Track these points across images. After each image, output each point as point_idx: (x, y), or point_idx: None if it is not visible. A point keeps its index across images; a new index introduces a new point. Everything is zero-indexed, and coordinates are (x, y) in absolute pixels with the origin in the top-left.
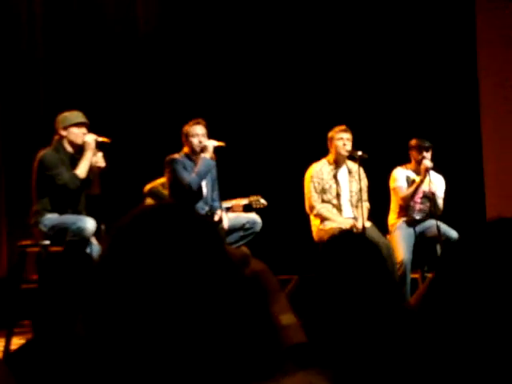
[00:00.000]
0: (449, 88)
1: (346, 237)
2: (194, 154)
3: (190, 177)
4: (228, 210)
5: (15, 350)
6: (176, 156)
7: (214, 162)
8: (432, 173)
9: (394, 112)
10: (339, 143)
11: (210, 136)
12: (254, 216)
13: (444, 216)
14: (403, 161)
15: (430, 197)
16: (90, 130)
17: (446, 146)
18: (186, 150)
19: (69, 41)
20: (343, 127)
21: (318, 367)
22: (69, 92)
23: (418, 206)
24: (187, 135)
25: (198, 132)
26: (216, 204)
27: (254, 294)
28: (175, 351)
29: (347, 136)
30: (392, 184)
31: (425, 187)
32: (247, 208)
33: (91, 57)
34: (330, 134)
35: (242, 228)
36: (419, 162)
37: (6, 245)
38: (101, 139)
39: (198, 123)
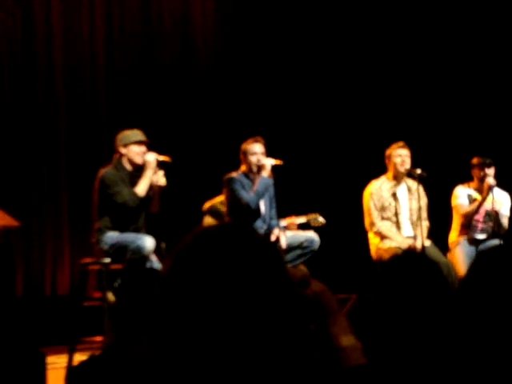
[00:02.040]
0: (510, 103)
1: (408, 257)
2: (251, 172)
3: (248, 196)
4: (284, 228)
5: (78, 364)
6: (234, 175)
7: (271, 180)
8: (496, 190)
9: (455, 129)
10: (397, 160)
11: (268, 154)
12: (312, 234)
13: (509, 234)
14: (464, 179)
15: (493, 215)
16: (151, 148)
17: (509, 162)
18: (243, 168)
19: (130, 63)
20: (401, 143)
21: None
22: (129, 113)
23: (480, 225)
24: (245, 153)
25: (256, 150)
26: (274, 222)
27: (315, 315)
28: (237, 371)
29: (405, 152)
30: (453, 202)
31: (488, 205)
32: (305, 226)
33: (152, 78)
34: (388, 152)
35: (299, 246)
36: (482, 180)
37: (68, 262)
38: (161, 158)
39: (256, 141)
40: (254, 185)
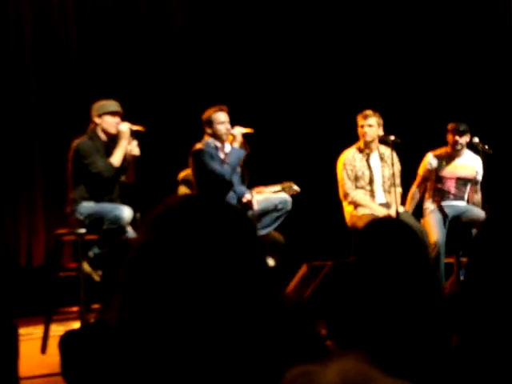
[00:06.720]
0: (486, 67)
1: (385, 223)
2: (219, 141)
3: (222, 168)
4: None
5: (67, 333)
6: (201, 146)
7: (243, 151)
8: (469, 155)
9: (428, 95)
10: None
11: (238, 122)
12: (283, 195)
13: (482, 199)
14: (437, 145)
15: (465, 181)
16: (125, 118)
17: (483, 127)
18: (207, 137)
19: (103, 32)
20: (367, 112)
21: (362, 350)
22: (103, 82)
23: (453, 190)
24: (211, 122)
25: (223, 119)
26: (242, 189)
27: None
28: (214, 338)
29: (368, 122)
30: (422, 169)
31: (459, 172)
32: None
33: (125, 48)
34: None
35: (275, 209)
36: (453, 146)
37: (43, 233)
38: (135, 128)
39: (221, 110)
40: (220, 153)
